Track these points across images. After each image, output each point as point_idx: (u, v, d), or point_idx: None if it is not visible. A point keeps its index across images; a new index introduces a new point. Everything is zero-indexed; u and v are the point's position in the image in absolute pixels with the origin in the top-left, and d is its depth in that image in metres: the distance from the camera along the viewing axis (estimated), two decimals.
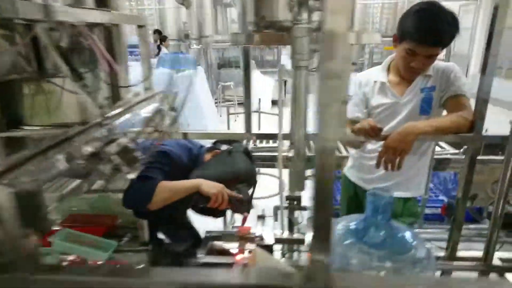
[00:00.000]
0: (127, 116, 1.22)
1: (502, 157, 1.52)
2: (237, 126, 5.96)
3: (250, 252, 1.24)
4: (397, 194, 1.62)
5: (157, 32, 6.91)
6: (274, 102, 7.72)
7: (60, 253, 1.42)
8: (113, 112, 1.11)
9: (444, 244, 1.64)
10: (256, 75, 7.46)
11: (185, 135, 1.62)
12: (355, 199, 1.79)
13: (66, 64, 0.99)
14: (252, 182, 1.51)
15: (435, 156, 2.06)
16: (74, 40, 1.03)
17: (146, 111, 1.31)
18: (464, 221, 2.88)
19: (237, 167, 1.48)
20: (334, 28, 0.44)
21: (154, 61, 4.56)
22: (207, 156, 1.55)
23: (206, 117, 4.06)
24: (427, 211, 2.99)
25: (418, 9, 1.38)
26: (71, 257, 1.44)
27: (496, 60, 1.26)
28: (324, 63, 0.45)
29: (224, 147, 1.57)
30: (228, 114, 5.78)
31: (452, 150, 2.33)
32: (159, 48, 6.66)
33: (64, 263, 1.37)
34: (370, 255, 0.83)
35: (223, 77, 8.09)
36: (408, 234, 0.92)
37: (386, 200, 0.85)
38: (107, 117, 1.05)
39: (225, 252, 1.38)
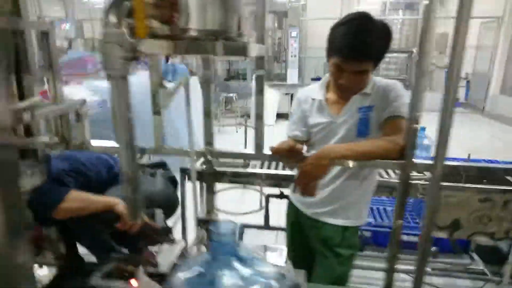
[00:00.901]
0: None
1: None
2: (239, 137, 5.92)
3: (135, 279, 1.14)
4: (336, 221, 1.49)
5: None
6: (279, 116, 7.67)
7: None
8: None
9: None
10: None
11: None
12: (298, 225, 1.65)
13: None
14: (169, 211, 1.43)
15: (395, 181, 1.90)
16: None
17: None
18: (446, 252, 2.72)
19: (155, 191, 1.41)
20: None
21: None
22: None
23: (195, 133, 3.92)
24: (404, 238, 2.76)
25: (344, 21, 1.26)
26: None
27: None
28: None
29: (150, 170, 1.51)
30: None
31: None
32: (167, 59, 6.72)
33: None
34: None
35: (232, 89, 8.10)
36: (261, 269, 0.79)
37: (229, 231, 0.72)
38: None
39: (126, 276, 1.28)
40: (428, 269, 2.67)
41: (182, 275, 0.75)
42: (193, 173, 1.29)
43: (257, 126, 1.20)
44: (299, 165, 1.19)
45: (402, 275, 2.52)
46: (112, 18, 0.64)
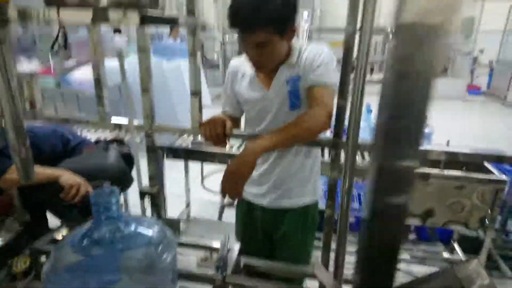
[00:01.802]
0: None
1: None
2: None
3: None
4: (291, 202, 1.43)
5: None
6: None
7: None
8: None
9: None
10: None
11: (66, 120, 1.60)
12: (249, 215, 1.54)
13: None
14: (122, 184, 1.48)
15: None
16: None
17: None
18: (420, 239, 2.68)
19: (105, 164, 1.47)
20: None
21: None
22: (85, 151, 1.55)
23: (177, 112, 3.94)
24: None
25: None
26: None
27: None
28: None
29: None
30: None
31: None
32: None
33: None
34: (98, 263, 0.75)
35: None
36: (142, 228, 0.83)
37: (107, 197, 0.76)
38: None
39: None
40: (407, 257, 2.66)
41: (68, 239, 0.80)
42: (134, 148, 1.33)
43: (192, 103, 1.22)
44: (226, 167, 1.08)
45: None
46: None
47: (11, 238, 1.40)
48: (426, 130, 2.56)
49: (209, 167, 3.46)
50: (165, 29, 6.46)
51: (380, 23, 5.88)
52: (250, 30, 1.11)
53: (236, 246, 1.16)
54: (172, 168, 3.09)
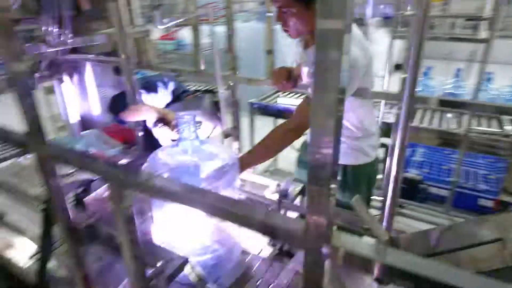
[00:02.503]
0: None
1: None
2: None
3: None
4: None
5: None
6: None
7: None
8: None
9: None
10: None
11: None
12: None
13: None
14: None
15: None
16: None
17: None
18: None
19: (200, 108, 1.78)
20: None
21: None
22: (186, 98, 1.90)
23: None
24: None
25: None
26: (94, 150, 2.06)
27: None
28: None
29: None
30: None
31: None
32: None
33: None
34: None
35: None
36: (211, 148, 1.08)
37: (187, 120, 1.01)
38: None
39: None
40: None
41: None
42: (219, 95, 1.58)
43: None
44: None
45: None
46: None
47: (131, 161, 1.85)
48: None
49: None
50: None
51: None
52: None
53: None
54: (264, 128, 3.37)
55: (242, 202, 0.61)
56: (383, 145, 2.31)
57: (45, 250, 1.13)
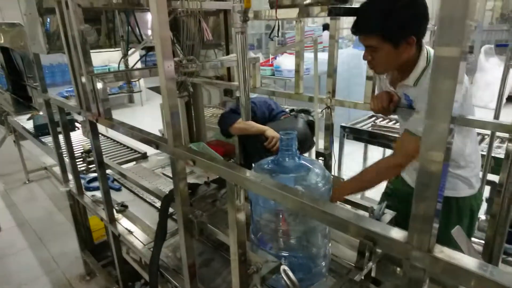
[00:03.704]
0: None
1: None
2: None
3: None
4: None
5: None
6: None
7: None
8: None
9: None
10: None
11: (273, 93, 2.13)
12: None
13: None
14: (304, 145, 1.88)
15: None
16: None
17: None
18: None
19: (295, 127, 1.89)
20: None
21: None
22: (282, 117, 2.05)
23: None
24: None
25: None
26: None
27: None
28: None
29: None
30: None
31: None
32: None
33: None
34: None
35: None
36: (307, 162, 1.16)
37: (290, 138, 1.12)
38: None
39: None
40: None
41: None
42: (316, 116, 1.67)
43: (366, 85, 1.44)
44: None
45: None
46: None
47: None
48: None
49: None
50: None
51: None
52: (359, 33, 1.22)
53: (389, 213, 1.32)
54: (354, 153, 3.33)
55: (343, 208, 0.67)
56: (490, 182, 2.10)
57: (159, 238, 1.34)
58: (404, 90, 1.33)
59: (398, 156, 1.27)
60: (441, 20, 0.44)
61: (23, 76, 4.17)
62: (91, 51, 1.33)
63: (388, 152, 3.27)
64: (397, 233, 0.57)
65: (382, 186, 1.81)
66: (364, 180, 1.29)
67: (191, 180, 2.00)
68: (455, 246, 1.02)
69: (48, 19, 1.58)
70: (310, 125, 1.96)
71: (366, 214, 1.33)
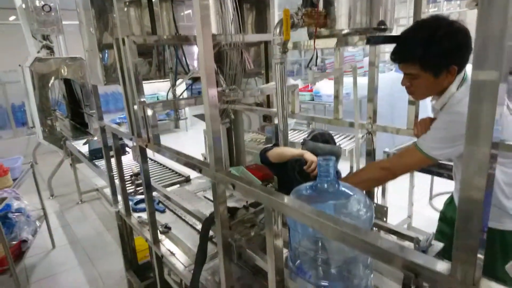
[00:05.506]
0: None
1: None
2: None
3: None
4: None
5: None
6: None
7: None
8: None
9: None
10: None
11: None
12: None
13: None
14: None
15: None
16: None
17: None
18: None
19: (333, 150, 1.89)
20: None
21: None
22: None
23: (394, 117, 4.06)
24: None
25: None
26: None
27: None
28: None
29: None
30: None
31: None
32: None
33: None
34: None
35: None
36: (348, 189, 1.13)
37: (329, 164, 1.11)
38: None
39: None
40: None
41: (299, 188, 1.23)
42: (356, 142, 1.65)
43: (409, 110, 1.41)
44: None
45: None
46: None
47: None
48: None
49: (440, 186, 3.30)
50: None
51: None
52: (399, 61, 1.23)
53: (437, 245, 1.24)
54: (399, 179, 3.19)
55: (385, 238, 0.65)
56: None
57: (199, 261, 1.37)
58: (434, 111, 1.33)
59: (389, 161, 1.30)
60: (477, 40, 0.43)
61: (81, 104, 4.58)
62: (143, 82, 1.45)
63: (433, 177, 3.09)
64: (440, 265, 0.55)
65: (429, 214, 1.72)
66: (357, 181, 1.29)
67: (230, 203, 2.04)
68: (504, 281, 0.94)
69: (106, 54, 1.75)
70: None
71: (411, 245, 1.27)
